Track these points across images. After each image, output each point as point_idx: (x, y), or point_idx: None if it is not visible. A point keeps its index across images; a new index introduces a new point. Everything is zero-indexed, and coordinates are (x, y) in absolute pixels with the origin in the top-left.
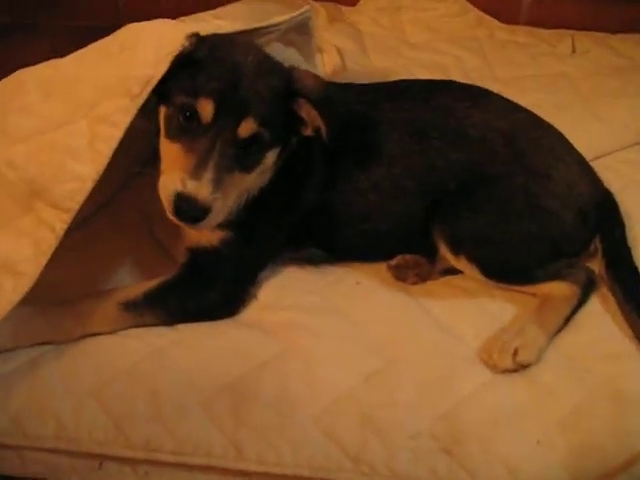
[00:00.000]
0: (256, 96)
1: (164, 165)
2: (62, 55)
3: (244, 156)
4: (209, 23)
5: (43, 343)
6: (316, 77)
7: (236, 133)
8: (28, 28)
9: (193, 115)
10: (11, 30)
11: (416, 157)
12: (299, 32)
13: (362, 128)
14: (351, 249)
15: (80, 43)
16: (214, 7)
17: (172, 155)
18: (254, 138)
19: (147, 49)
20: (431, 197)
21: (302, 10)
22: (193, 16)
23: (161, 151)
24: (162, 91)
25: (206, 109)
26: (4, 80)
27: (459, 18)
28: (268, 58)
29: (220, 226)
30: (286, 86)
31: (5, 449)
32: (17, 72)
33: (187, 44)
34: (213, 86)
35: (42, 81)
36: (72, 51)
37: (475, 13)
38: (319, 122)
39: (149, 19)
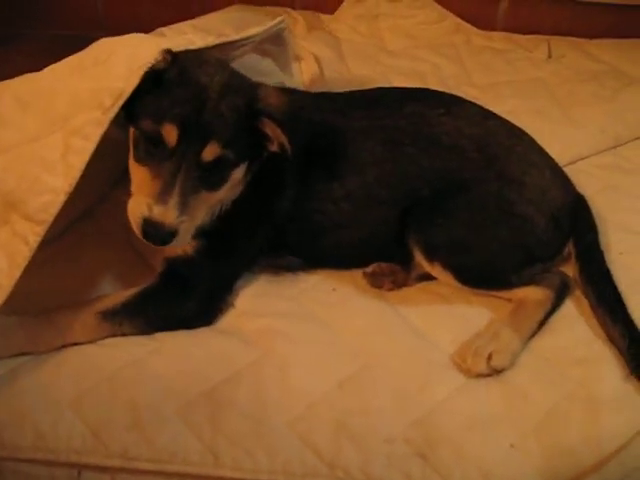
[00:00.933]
0: (220, 120)
1: (133, 187)
2: (41, 64)
3: (210, 176)
4: (182, 38)
5: (22, 354)
6: (280, 95)
7: (200, 157)
8: (7, 38)
9: (158, 139)
10: None
11: (389, 165)
12: (274, 43)
13: (334, 138)
14: (327, 257)
15: (59, 52)
16: (193, 16)
17: (140, 178)
18: (219, 160)
19: (120, 62)
20: (404, 204)
21: (276, 21)
22: (172, 27)
23: (130, 172)
24: (130, 112)
25: (170, 134)
26: None
27: (437, 25)
28: (234, 76)
29: (195, 236)
30: (250, 105)
31: None
32: None
33: (160, 60)
34: (177, 111)
35: (19, 94)
36: (51, 61)
37: (452, 19)
38: (283, 140)
39: (128, 28)
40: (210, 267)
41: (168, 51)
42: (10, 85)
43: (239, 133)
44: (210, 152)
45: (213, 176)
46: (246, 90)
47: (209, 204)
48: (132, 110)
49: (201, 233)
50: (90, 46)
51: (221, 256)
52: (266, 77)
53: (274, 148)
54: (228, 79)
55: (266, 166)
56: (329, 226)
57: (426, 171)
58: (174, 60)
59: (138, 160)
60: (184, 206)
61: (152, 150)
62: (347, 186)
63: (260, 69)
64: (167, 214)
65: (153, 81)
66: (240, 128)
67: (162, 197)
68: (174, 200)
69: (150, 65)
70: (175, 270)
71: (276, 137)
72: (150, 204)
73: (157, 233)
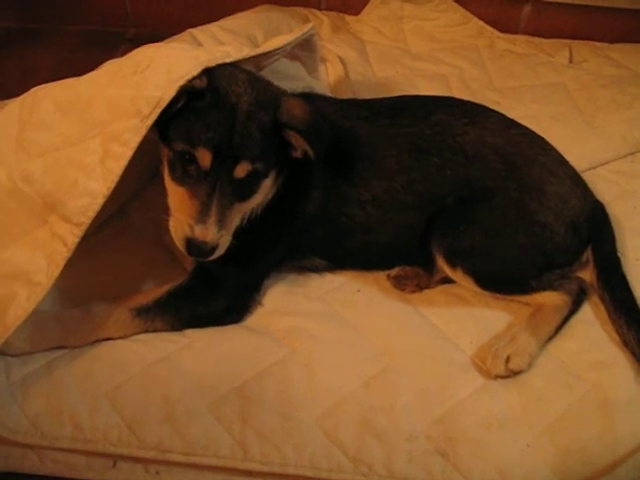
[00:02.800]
0: (249, 140)
1: (172, 205)
2: (70, 60)
3: (242, 189)
4: (219, 51)
5: (58, 347)
6: (302, 105)
7: (232, 174)
8: (38, 33)
9: (192, 161)
10: (21, 36)
11: (415, 172)
12: (303, 48)
13: (361, 143)
14: (352, 259)
15: (88, 48)
16: (219, 13)
17: (178, 198)
18: (249, 174)
19: (158, 72)
20: (429, 211)
21: (306, 29)
22: (202, 28)
23: (167, 189)
24: (164, 132)
25: (205, 158)
26: (23, 96)
27: (460, 27)
28: (261, 91)
29: None
30: (275, 119)
31: (25, 449)
32: (34, 89)
33: (198, 81)
34: (210, 135)
35: (59, 100)
36: (80, 56)
37: (475, 23)
38: (307, 148)
39: (156, 24)
40: (238, 268)
41: (205, 71)
42: (50, 91)
43: (266, 146)
44: (242, 170)
45: (245, 188)
46: (271, 103)
47: (242, 213)
48: (166, 130)
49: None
50: (129, 54)
51: (249, 257)
52: (296, 81)
53: (298, 154)
54: (255, 96)
55: (293, 171)
56: (355, 229)
57: (450, 180)
58: (209, 80)
59: (174, 180)
60: (221, 222)
61: (187, 170)
62: (373, 191)
63: (290, 73)
64: (208, 233)
65: (188, 98)
66: (267, 142)
67: (202, 217)
68: (212, 219)
69: (187, 80)
70: (205, 270)
71: (299, 146)
72: (191, 225)
73: (201, 251)
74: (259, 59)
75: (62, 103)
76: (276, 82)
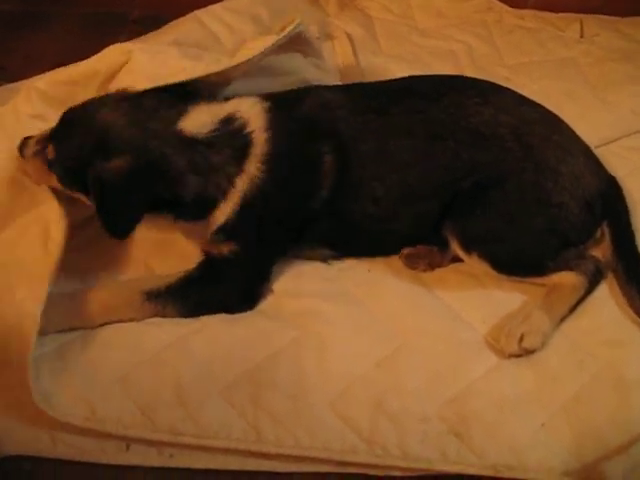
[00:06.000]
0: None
1: None
2: (72, 43)
3: None
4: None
5: (68, 329)
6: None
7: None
8: (41, 16)
9: None
10: (25, 18)
11: (430, 162)
12: (296, 42)
13: (371, 137)
14: (363, 249)
15: (93, 30)
16: None
17: None
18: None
19: None
20: (445, 198)
21: (290, 28)
22: (207, 10)
23: None
24: None
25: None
26: None
27: (468, 3)
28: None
29: (225, 237)
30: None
31: (38, 432)
32: None
33: None
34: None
35: None
36: (85, 37)
37: None
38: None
39: (162, 6)
40: (244, 261)
41: None
42: None
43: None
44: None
45: None
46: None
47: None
48: None
49: (231, 234)
50: None
51: (255, 251)
52: (289, 76)
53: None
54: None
55: (297, 164)
56: (368, 223)
57: (466, 163)
58: None
59: None
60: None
61: None
62: (387, 184)
63: (285, 68)
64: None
65: None
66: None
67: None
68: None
69: None
70: (213, 262)
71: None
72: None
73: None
74: (226, 72)
75: None
76: (267, 77)
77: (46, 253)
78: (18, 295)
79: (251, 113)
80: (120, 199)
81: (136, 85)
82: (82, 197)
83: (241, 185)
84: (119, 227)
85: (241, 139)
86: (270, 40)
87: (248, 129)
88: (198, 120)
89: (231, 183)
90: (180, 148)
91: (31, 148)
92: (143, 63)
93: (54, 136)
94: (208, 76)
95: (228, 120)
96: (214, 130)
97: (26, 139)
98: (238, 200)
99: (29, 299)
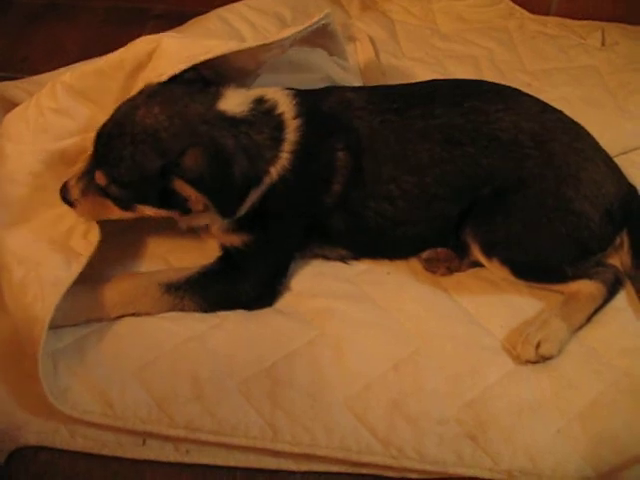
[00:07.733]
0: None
1: None
2: (98, 36)
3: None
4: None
5: (86, 322)
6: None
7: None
8: (65, 8)
9: None
10: (48, 11)
11: (448, 165)
12: (321, 36)
13: (390, 138)
14: (380, 251)
15: (116, 23)
16: None
17: None
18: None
19: None
20: (464, 202)
21: (315, 20)
22: (229, 8)
23: None
24: None
25: None
26: None
27: (490, 8)
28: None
29: (240, 230)
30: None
31: (57, 424)
32: None
33: None
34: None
35: None
36: (108, 31)
37: (506, 3)
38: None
39: (184, 1)
40: (260, 256)
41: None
42: None
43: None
44: (99, 178)
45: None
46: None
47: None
48: None
49: (245, 227)
50: None
51: (270, 245)
52: (312, 73)
53: (198, 207)
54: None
55: (313, 163)
56: (384, 224)
57: (486, 169)
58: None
59: None
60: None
61: None
62: (404, 186)
63: (308, 63)
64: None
65: None
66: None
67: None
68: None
69: None
70: (230, 256)
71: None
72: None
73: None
74: (256, 52)
75: None
76: (292, 74)
77: (66, 262)
78: (30, 293)
79: (278, 96)
80: (218, 183)
81: (170, 69)
82: (144, 209)
83: (274, 171)
84: (233, 206)
85: (274, 119)
86: (299, 27)
87: (278, 110)
88: (234, 101)
89: (269, 166)
90: (226, 128)
91: (76, 188)
92: (174, 46)
93: (99, 161)
94: (239, 58)
95: (259, 100)
96: (251, 110)
97: (63, 186)
98: (267, 187)
99: (40, 300)
